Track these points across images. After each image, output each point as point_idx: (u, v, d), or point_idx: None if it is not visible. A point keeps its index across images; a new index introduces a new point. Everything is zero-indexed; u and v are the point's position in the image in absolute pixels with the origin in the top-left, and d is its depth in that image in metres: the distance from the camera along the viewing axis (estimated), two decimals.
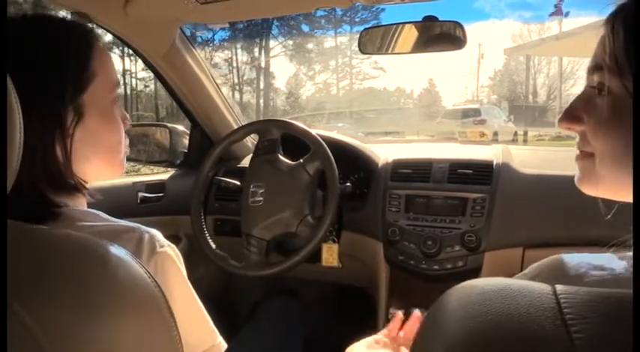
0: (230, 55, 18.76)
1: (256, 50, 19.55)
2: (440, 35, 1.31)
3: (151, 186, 1.81)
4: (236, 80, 18.87)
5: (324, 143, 1.41)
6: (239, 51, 18.90)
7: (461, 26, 1.27)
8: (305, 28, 20.49)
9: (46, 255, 0.53)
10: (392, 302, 1.57)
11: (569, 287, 0.34)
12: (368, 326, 1.60)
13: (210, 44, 17.93)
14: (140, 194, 1.76)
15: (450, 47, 1.31)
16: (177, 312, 0.59)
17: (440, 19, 1.31)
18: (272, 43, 19.88)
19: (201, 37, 16.61)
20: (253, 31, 18.87)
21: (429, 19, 1.31)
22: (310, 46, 21.29)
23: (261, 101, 19.33)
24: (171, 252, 0.73)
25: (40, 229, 0.59)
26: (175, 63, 1.59)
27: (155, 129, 2.05)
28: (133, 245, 0.68)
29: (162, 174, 1.94)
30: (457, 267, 1.41)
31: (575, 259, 0.43)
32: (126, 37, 1.43)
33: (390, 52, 1.40)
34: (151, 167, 2.30)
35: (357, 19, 20.28)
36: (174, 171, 1.94)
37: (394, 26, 1.35)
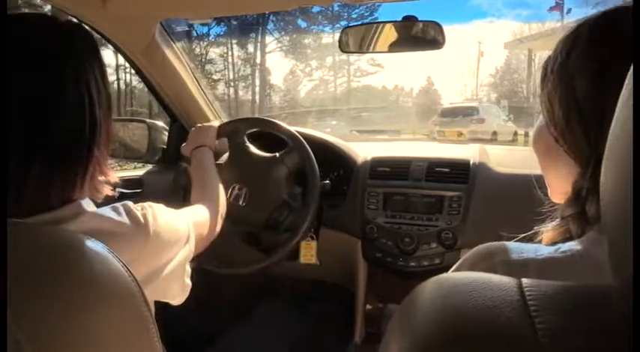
0: (225, 51, 18.42)
1: (252, 46, 19.24)
2: (417, 34, 1.33)
3: (128, 182, 1.79)
4: (232, 76, 18.57)
5: (300, 136, 1.42)
6: (235, 46, 18.61)
7: (439, 26, 1.29)
8: (302, 23, 20.20)
9: (22, 250, 0.53)
10: (369, 298, 1.59)
11: (534, 281, 0.35)
12: (346, 321, 1.62)
13: (206, 39, 17.64)
14: (117, 189, 1.74)
15: (428, 47, 1.33)
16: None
17: (420, 18, 1.32)
18: (268, 38, 19.54)
19: (196, 31, 16.30)
20: (249, 27, 18.52)
21: (409, 19, 1.32)
22: (307, 41, 20.95)
23: (257, 97, 19.04)
24: (147, 216, 0.73)
25: (16, 222, 0.59)
26: (155, 58, 1.57)
27: (133, 124, 2.03)
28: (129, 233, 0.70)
29: (138, 170, 1.92)
30: (434, 264, 1.43)
31: (492, 247, 0.55)
32: (105, 32, 1.41)
33: (369, 50, 1.41)
34: (121, 163, 2.27)
35: (354, 15, 20.02)
36: (150, 167, 1.92)
37: (374, 25, 1.37)
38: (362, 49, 1.42)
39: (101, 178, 0.73)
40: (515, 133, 12.44)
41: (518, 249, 0.52)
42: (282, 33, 20.12)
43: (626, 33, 0.36)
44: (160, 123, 1.93)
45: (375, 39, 1.37)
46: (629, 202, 0.28)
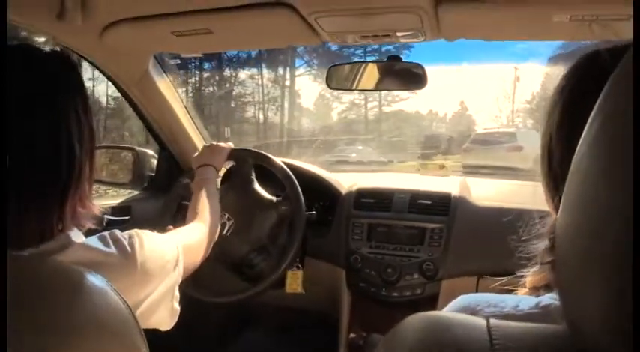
0: (256, 73, 18.07)
1: (281, 69, 18.86)
2: (401, 74, 1.39)
3: (116, 210, 1.81)
4: (261, 99, 18.17)
5: (296, 183, 1.46)
6: (264, 70, 18.21)
7: (421, 67, 1.35)
8: (333, 46, 19.73)
9: (22, 282, 0.55)
10: (353, 327, 1.62)
11: (500, 321, 0.40)
12: (330, 349, 1.65)
13: (235, 61, 17.34)
14: (106, 217, 1.76)
15: (411, 86, 1.40)
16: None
17: (404, 59, 1.38)
18: (298, 61, 19.14)
19: (226, 54, 15.99)
20: (279, 49, 18.11)
21: (393, 59, 1.39)
22: None
23: (286, 120, 18.65)
24: (135, 245, 0.74)
25: (17, 256, 0.62)
26: (148, 90, 1.62)
27: (123, 151, 2.05)
28: (117, 263, 0.71)
29: (125, 197, 1.94)
30: (415, 294, 1.47)
31: (475, 298, 0.55)
32: (100, 64, 1.46)
33: (354, 88, 1.47)
34: (108, 189, 2.27)
35: None
36: (138, 194, 1.94)
37: (358, 64, 1.43)
38: (346, 85, 1.48)
39: (83, 211, 0.72)
40: None
41: (499, 303, 0.52)
42: (313, 55, 19.64)
43: (601, 74, 0.33)
44: (150, 151, 1.96)
45: (359, 77, 1.43)
46: (577, 246, 0.33)
